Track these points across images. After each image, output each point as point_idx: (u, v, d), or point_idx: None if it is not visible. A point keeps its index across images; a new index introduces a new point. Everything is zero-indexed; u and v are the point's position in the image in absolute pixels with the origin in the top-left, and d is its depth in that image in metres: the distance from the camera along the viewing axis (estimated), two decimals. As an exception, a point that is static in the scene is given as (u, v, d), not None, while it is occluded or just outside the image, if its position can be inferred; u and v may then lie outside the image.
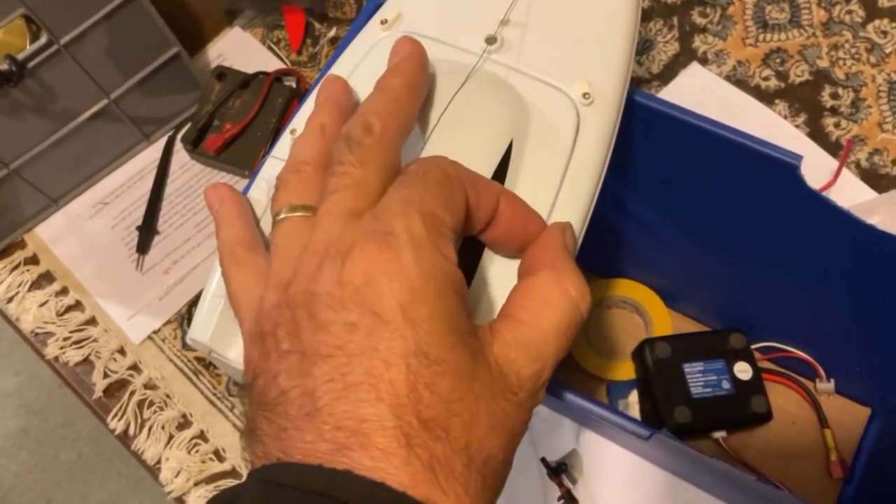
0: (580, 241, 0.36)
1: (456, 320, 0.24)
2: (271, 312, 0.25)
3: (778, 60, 0.74)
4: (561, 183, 0.35)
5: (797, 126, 0.71)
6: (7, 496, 1.51)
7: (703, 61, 0.74)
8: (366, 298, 0.23)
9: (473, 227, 0.29)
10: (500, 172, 0.35)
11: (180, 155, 0.75)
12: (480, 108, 0.36)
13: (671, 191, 0.50)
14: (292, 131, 0.39)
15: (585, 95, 0.37)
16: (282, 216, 0.29)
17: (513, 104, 0.36)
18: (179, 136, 0.73)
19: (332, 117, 0.32)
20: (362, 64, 0.39)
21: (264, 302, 0.26)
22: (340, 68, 0.40)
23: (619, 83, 0.38)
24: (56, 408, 1.55)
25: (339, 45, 0.46)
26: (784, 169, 0.42)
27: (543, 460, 0.61)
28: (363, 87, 0.39)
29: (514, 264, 0.32)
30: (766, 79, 0.73)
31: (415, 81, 0.32)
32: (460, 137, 0.35)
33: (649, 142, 0.47)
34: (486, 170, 0.35)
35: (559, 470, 0.61)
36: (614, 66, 0.38)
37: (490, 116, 0.36)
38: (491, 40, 0.38)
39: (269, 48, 0.79)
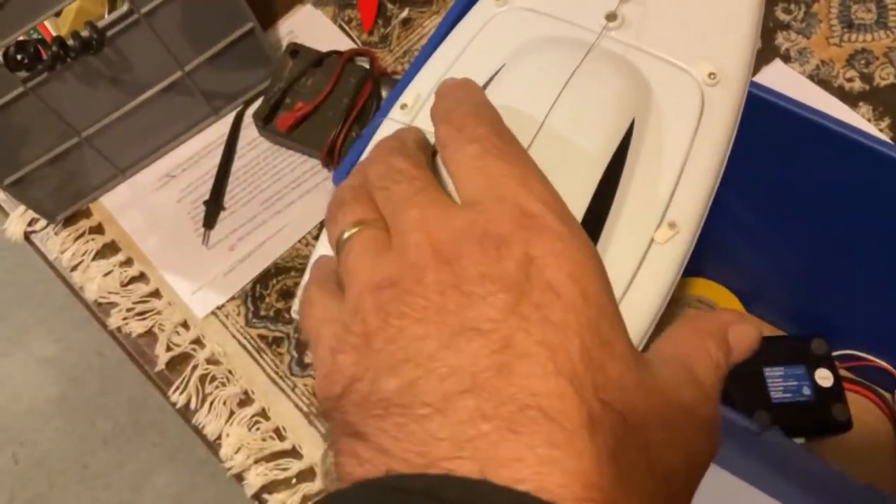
0: (699, 231, 0.35)
1: (615, 300, 0.22)
2: (370, 311, 0.22)
3: (863, 62, 0.72)
4: (683, 167, 0.34)
5: (881, 130, 0.69)
6: (43, 460, 1.53)
7: (786, 59, 0.72)
8: (531, 271, 0.21)
9: None
10: (622, 153, 0.34)
11: (248, 131, 0.74)
12: (602, 85, 0.35)
13: (767, 184, 0.49)
14: (403, 106, 0.38)
15: (711, 76, 0.35)
16: (346, 235, 0.25)
17: (635, 82, 0.35)
18: (250, 112, 0.73)
19: None
20: (474, 41, 0.38)
21: (356, 307, 0.23)
22: (450, 45, 0.39)
23: (745, 64, 0.36)
24: (94, 376, 1.57)
25: (441, 21, 0.45)
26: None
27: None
28: (474, 65, 0.38)
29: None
30: (850, 80, 0.71)
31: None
32: (581, 115, 0.34)
33: (746, 130, 0.46)
34: (607, 149, 0.33)
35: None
36: (741, 45, 0.37)
37: (611, 94, 0.34)
38: (611, 17, 0.37)
39: (340, 27, 0.78)
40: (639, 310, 0.33)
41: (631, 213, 0.34)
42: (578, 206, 0.33)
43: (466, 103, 0.27)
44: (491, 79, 0.36)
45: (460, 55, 0.38)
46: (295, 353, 0.67)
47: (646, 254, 0.34)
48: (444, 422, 0.20)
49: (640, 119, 0.34)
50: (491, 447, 0.19)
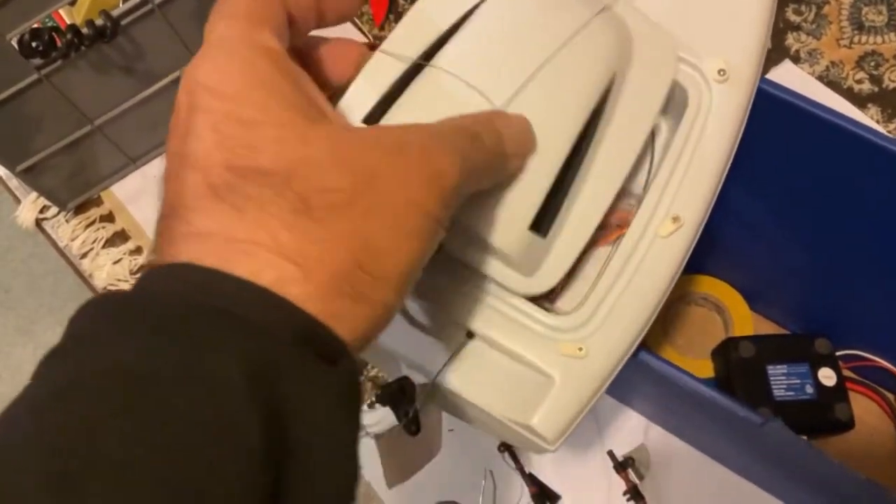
0: (702, 226, 0.35)
1: (278, 88, 0.25)
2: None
3: (872, 64, 0.72)
4: (689, 162, 0.35)
5: (889, 132, 0.69)
6: (50, 451, 1.54)
7: (796, 59, 0.72)
8: (188, 90, 0.25)
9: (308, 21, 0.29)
10: (596, 112, 0.33)
11: (258, 123, 0.75)
12: (593, 45, 0.33)
13: (774, 182, 0.49)
14: None
15: (721, 72, 0.35)
16: None
17: (617, 40, 0.34)
18: (260, 103, 0.74)
19: None
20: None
21: None
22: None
23: (755, 62, 0.36)
24: (102, 368, 1.58)
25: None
26: (906, 169, 0.41)
27: (610, 453, 0.60)
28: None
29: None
30: (859, 81, 0.71)
31: None
32: (563, 67, 0.32)
33: (753, 126, 0.46)
34: (587, 104, 0.32)
35: (626, 464, 0.60)
36: (751, 43, 0.37)
37: (596, 52, 0.33)
38: None
39: (352, 21, 0.78)
40: (640, 301, 0.34)
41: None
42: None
43: None
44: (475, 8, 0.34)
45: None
46: (301, 344, 0.67)
47: (649, 246, 0.34)
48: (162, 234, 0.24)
49: (619, 80, 0.33)
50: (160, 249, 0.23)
